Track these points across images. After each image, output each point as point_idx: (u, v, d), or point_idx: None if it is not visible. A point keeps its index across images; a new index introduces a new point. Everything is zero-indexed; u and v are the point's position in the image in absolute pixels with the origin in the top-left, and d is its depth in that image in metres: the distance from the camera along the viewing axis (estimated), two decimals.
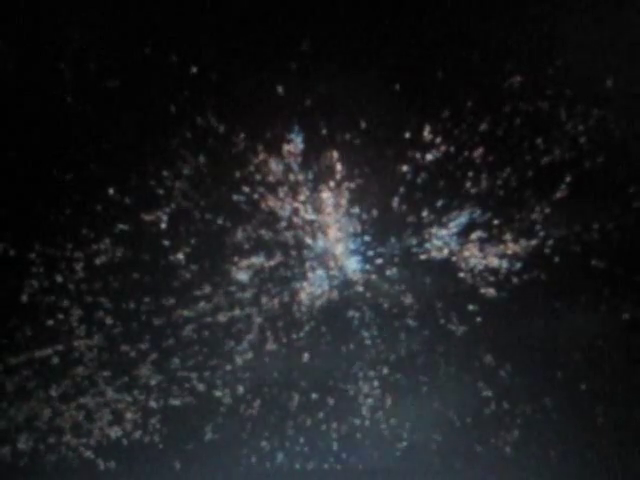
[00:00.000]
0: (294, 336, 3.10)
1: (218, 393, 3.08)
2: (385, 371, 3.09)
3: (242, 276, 3.12)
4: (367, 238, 3.16)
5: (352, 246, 3.17)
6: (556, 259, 3.07)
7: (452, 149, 3.03)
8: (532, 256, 3.08)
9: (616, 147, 2.99)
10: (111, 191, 3.02)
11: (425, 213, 3.10)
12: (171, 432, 3.06)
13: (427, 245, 3.14)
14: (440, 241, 3.13)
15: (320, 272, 3.17)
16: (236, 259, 3.11)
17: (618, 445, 3.01)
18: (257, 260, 3.13)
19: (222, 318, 3.09)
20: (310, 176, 3.10)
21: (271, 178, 3.09)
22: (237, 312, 3.10)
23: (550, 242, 3.07)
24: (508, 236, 3.09)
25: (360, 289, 3.16)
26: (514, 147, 3.01)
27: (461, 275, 3.12)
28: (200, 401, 3.07)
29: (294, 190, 3.10)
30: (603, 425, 3.01)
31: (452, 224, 3.11)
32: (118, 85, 2.92)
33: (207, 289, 3.09)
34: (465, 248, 3.12)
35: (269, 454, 3.08)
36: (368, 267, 3.17)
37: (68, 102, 2.88)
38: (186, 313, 3.08)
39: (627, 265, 3.06)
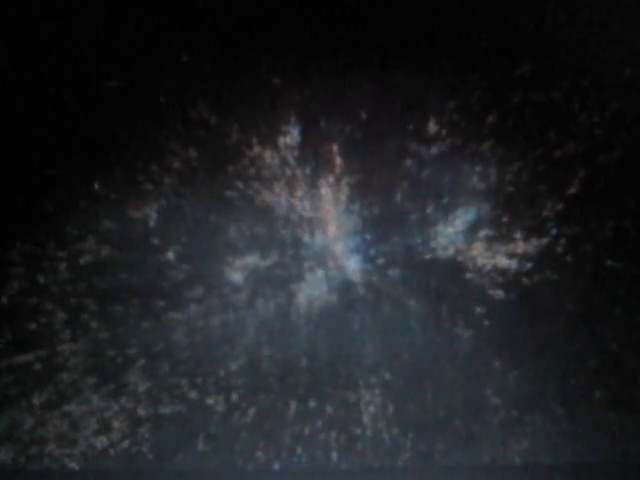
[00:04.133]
0: (291, 340, 3.06)
1: (211, 400, 3.01)
2: (387, 377, 3.04)
3: (236, 277, 3.09)
4: (368, 236, 3.13)
5: (352, 245, 3.13)
6: (569, 259, 3.04)
7: (458, 142, 3.01)
8: (543, 255, 3.05)
9: (633, 140, 2.96)
10: (96, 186, 2.99)
11: (430, 210, 3.07)
12: (161, 442, 2.99)
13: (432, 244, 3.10)
14: (446, 239, 3.10)
15: (318, 272, 3.13)
16: (230, 258, 3.08)
17: (635, 456, 2.95)
18: (252, 260, 3.10)
19: (215, 321, 3.05)
20: (308, 170, 3.07)
21: (266, 173, 3.06)
22: (231, 315, 3.06)
23: (563, 241, 3.04)
24: (518, 234, 3.05)
25: (361, 290, 3.12)
26: (525, 140, 2.99)
27: (468, 275, 3.08)
28: (192, 409, 3.01)
29: (291, 185, 3.07)
30: (618, 435, 2.97)
31: (458, 221, 3.08)
32: (103, 74, 2.89)
33: (199, 290, 3.05)
34: (472, 247, 3.08)
35: (265, 464, 3.00)
36: (369, 267, 3.13)
37: (49, 91, 2.88)
38: (177, 316, 3.04)
39: None
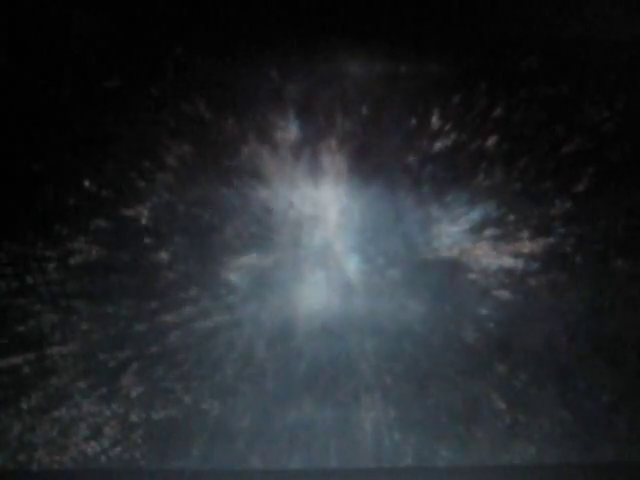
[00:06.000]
0: (289, 343, 3.01)
1: (206, 405, 2.96)
2: (389, 381, 3.00)
3: (232, 277, 3.04)
4: (369, 235, 3.08)
5: (352, 244, 3.09)
6: (577, 259, 3.01)
7: (463, 138, 2.98)
8: (551, 255, 3.01)
9: None
10: (87, 183, 2.96)
11: (433, 208, 3.04)
12: (154, 448, 2.94)
13: (435, 243, 3.07)
14: (450, 239, 3.06)
15: (317, 272, 3.08)
16: (225, 259, 3.04)
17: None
18: (248, 260, 3.05)
19: (210, 323, 3.00)
20: (307, 167, 3.04)
21: (264, 169, 3.02)
22: (227, 317, 3.01)
23: (571, 240, 3.01)
24: (524, 233, 3.02)
25: (361, 291, 3.07)
26: (531, 135, 2.97)
27: (472, 276, 3.04)
28: (186, 414, 2.96)
29: (289, 183, 3.04)
30: (627, 441, 2.93)
31: (463, 220, 3.05)
32: (94, 67, 2.85)
33: (194, 291, 3.01)
34: (477, 246, 3.05)
35: (262, 469, 2.94)
36: (370, 267, 3.08)
37: (36, 85, 2.84)
38: (170, 318, 2.99)
39: None
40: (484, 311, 3.02)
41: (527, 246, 3.02)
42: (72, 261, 2.99)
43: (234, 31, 2.93)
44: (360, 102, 3.00)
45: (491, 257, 3.04)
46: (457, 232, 3.05)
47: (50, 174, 2.97)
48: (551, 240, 3.02)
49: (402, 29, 2.93)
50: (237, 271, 3.05)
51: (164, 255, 3.01)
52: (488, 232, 3.04)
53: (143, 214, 3.01)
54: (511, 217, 3.02)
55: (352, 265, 3.08)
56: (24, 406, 2.93)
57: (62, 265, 2.98)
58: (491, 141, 2.99)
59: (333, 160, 3.03)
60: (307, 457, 2.93)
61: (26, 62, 2.91)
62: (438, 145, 3.00)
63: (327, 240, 3.08)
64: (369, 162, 3.02)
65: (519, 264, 3.02)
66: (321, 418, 2.97)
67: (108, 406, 2.95)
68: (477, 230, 3.04)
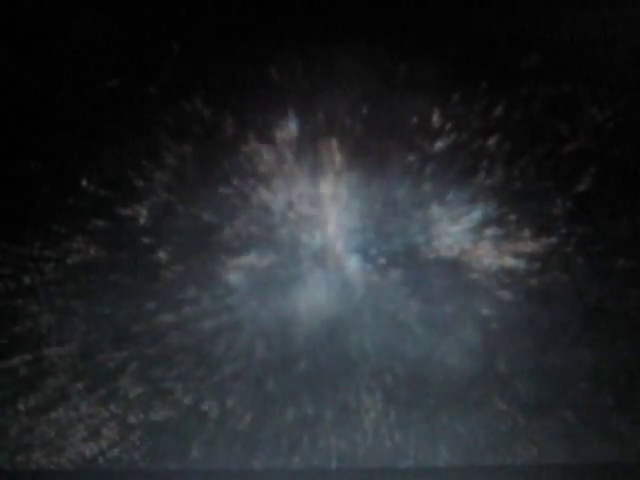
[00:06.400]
0: (288, 343, 2.99)
1: (205, 406, 2.94)
2: (389, 382, 2.97)
3: (231, 277, 3.02)
4: (369, 235, 3.07)
5: (353, 244, 3.07)
6: (579, 258, 2.99)
7: (464, 136, 2.96)
8: (553, 255, 2.99)
9: None
10: (84, 183, 2.95)
11: (433, 207, 3.02)
12: (153, 449, 2.93)
13: (435, 243, 3.05)
14: (450, 238, 3.04)
15: (317, 272, 3.06)
16: (224, 259, 3.02)
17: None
18: (248, 259, 3.03)
19: (209, 324, 2.98)
20: (306, 166, 3.02)
21: (263, 169, 3.00)
22: (226, 317, 2.99)
23: (573, 240, 2.99)
24: (526, 233, 3.00)
25: (361, 291, 3.05)
26: (532, 134, 2.95)
27: (473, 276, 3.02)
28: (185, 415, 2.95)
29: (289, 182, 3.02)
30: (627, 441, 2.91)
31: (463, 219, 3.03)
32: (91, 64, 2.85)
33: (192, 292, 2.99)
34: (478, 246, 3.03)
35: (261, 474, 2.93)
36: (370, 267, 3.06)
37: (34, 83, 2.83)
38: (169, 318, 2.98)
39: None
40: (485, 311, 3.00)
41: (529, 246, 3.00)
42: (70, 261, 2.97)
43: (234, 30, 2.93)
44: (360, 102, 2.98)
45: (492, 257, 3.02)
46: (458, 232, 3.03)
47: (48, 174, 2.96)
48: (553, 240, 3.00)
49: (402, 28, 2.93)
50: (237, 271, 3.03)
51: (163, 255, 2.99)
52: (489, 232, 3.02)
53: (142, 214, 2.99)
54: (512, 217, 3.00)
55: (352, 265, 3.06)
56: (22, 407, 2.92)
57: (60, 265, 2.97)
58: (491, 140, 2.97)
59: (333, 159, 3.01)
60: (307, 457, 2.92)
61: (26, 62, 2.90)
62: (438, 144, 2.98)
63: (327, 240, 3.06)
64: (369, 161, 3.00)
65: (520, 264, 3.01)
66: (321, 418, 2.95)
67: (107, 407, 2.94)
68: (478, 230, 3.03)
